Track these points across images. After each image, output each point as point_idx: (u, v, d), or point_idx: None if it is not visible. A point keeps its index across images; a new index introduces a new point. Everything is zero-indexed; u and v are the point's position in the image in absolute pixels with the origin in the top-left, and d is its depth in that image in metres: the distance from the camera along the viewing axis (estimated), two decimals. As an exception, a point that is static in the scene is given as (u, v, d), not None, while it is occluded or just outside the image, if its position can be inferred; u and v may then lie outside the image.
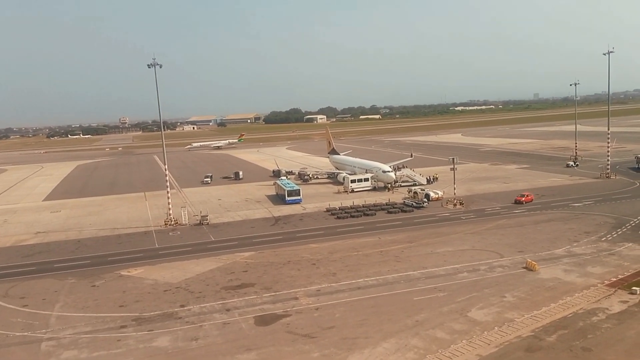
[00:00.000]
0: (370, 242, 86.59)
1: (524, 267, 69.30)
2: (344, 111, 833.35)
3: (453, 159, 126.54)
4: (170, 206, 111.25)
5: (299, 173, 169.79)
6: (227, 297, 64.51)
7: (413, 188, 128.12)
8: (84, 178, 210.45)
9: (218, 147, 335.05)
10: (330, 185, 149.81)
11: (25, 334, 56.76)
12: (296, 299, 62.88)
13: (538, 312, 54.77)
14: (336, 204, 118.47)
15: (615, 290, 59.64)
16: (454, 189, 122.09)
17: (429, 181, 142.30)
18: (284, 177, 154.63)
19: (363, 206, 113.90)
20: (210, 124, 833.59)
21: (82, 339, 54.74)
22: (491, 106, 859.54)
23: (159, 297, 66.12)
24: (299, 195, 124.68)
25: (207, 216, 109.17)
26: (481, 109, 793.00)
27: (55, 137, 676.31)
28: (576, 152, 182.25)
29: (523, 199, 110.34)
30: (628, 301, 56.45)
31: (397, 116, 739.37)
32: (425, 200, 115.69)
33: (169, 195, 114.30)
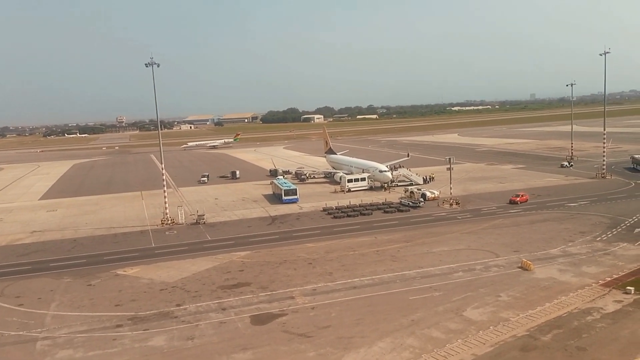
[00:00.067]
0: (366, 242, 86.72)
1: (519, 267, 69.52)
2: (341, 111, 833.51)
3: (450, 158, 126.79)
4: (166, 205, 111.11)
5: (295, 172, 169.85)
6: (223, 297, 64.52)
7: (409, 188, 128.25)
8: (80, 177, 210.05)
9: (214, 147, 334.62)
10: (327, 185, 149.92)
11: (21, 333, 56.65)
12: (292, 298, 62.95)
13: (533, 311, 54.98)
14: (333, 203, 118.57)
15: (610, 290, 59.91)
16: (450, 188, 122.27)
17: (425, 181, 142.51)
18: (280, 177, 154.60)
19: (360, 206, 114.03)
20: (208, 123, 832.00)
21: (78, 338, 54.67)
22: (488, 106, 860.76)
23: (154, 296, 66.09)
24: (296, 195, 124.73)
25: (203, 215, 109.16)
26: (478, 109, 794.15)
27: (52, 136, 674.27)
28: (572, 153, 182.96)
29: (518, 199, 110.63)
30: (622, 301, 56.71)
31: (394, 116, 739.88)
32: (422, 199, 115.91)
33: (166, 194, 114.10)
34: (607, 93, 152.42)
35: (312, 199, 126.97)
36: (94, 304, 64.52)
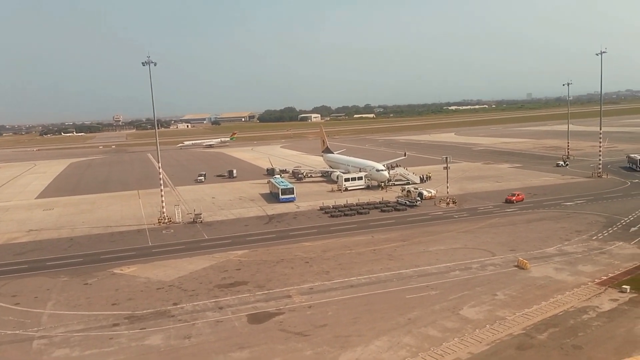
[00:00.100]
0: (363, 241, 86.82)
1: (515, 266, 69.73)
2: (338, 110, 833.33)
3: (446, 157, 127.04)
4: (163, 204, 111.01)
5: (293, 171, 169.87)
6: (220, 295, 64.53)
7: (406, 187, 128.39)
8: (77, 176, 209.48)
9: (210, 146, 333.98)
10: (324, 184, 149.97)
11: (17, 332, 56.54)
12: (289, 297, 63.00)
13: (529, 310, 55.17)
14: (330, 202, 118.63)
15: (606, 289, 60.15)
16: (447, 187, 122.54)
17: (422, 180, 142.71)
18: (278, 176, 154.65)
19: (357, 205, 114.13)
20: (205, 122, 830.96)
21: (74, 337, 54.61)
22: (484, 106, 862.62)
23: (151, 295, 66.05)
24: (293, 194, 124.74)
25: (200, 214, 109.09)
26: (474, 109, 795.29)
27: (49, 135, 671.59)
28: (568, 152, 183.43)
29: (514, 198, 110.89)
30: (618, 299, 56.95)
31: (391, 115, 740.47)
32: (419, 198, 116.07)
33: (163, 193, 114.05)
34: (603, 92, 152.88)
35: (309, 198, 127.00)
36: (91, 303, 64.44)
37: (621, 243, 77.97)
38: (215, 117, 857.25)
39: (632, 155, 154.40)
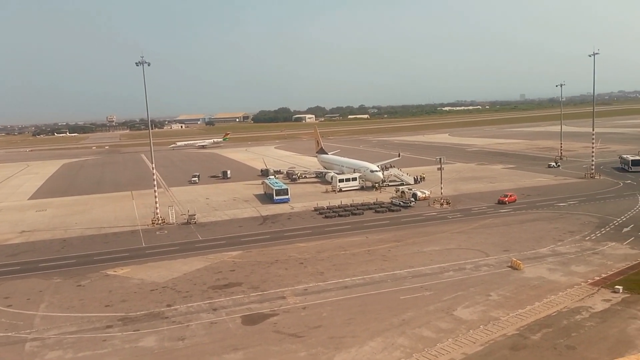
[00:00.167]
0: (357, 242, 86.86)
1: (509, 266, 69.98)
2: (332, 111, 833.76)
3: (440, 158, 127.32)
4: (157, 205, 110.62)
5: (287, 172, 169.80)
6: (214, 297, 64.38)
7: (400, 187, 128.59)
8: (70, 177, 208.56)
9: (203, 146, 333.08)
10: (319, 185, 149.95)
11: (9, 334, 56.16)
12: (283, 298, 62.93)
13: (523, 310, 55.36)
14: (324, 203, 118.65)
15: (599, 289, 60.46)
16: (441, 188, 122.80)
17: (416, 181, 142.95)
18: (272, 177, 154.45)
19: (351, 205, 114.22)
20: (199, 122, 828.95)
21: (67, 339, 54.31)
22: (478, 107, 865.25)
23: (145, 296, 65.79)
24: (287, 195, 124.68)
25: (194, 215, 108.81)
26: (468, 110, 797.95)
27: (42, 135, 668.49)
28: (561, 153, 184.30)
29: (506, 199, 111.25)
30: (611, 300, 57.26)
31: (385, 116, 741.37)
32: (413, 199, 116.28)
33: (156, 194, 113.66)
34: (596, 94, 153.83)
35: (304, 199, 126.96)
36: (84, 304, 64.12)
37: (614, 243, 78.41)
38: (210, 118, 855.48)
39: (625, 155, 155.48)
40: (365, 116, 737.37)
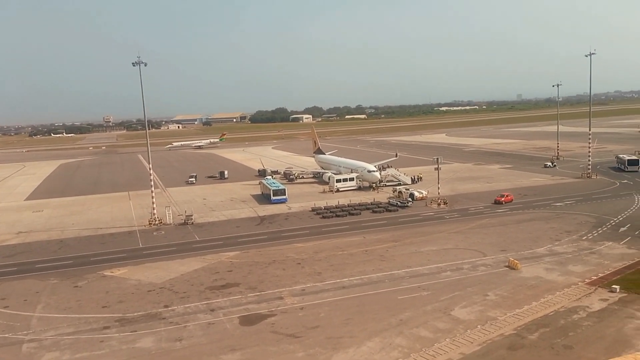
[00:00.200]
0: (355, 242, 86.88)
1: (506, 266, 70.09)
2: (329, 111, 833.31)
3: (437, 158, 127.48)
4: (154, 206, 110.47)
5: (284, 172, 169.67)
6: (212, 297, 64.30)
7: (398, 187, 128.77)
8: (66, 177, 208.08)
9: (199, 147, 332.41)
10: (316, 185, 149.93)
11: (6, 335, 55.98)
12: (281, 298, 62.90)
13: (520, 310, 55.46)
14: (321, 203, 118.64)
15: (596, 289, 60.61)
16: (438, 188, 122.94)
17: (413, 181, 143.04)
18: (269, 177, 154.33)
19: (348, 206, 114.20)
20: (196, 123, 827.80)
21: (64, 340, 54.18)
22: (475, 107, 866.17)
23: (142, 297, 65.68)
24: (285, 195, 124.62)
25: (191, 216, 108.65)
26: (465, 110, 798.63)
27: (38, 136, 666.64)
28: (558, 153, 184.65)
29: (503, 199, 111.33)
30: (608, 299, 57.40)
31: (383, 116, 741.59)
32: (410, 199, 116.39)
33: (153, 194, 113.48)
34: (592, 94, 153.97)
35: (301, 199, 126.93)
36: (81, 305, 63.97)
37: (611, 243, 78.60)
38: (207, 118, 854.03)
39: (621, 155, 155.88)
40: (363, 116, 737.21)
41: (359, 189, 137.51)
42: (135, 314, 60.28)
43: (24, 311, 62.65)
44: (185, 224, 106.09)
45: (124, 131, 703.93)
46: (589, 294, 59.33)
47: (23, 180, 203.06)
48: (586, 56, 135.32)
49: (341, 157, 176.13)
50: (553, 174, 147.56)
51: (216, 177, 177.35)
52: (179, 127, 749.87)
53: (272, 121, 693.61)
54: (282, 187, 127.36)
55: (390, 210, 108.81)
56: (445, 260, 73.93)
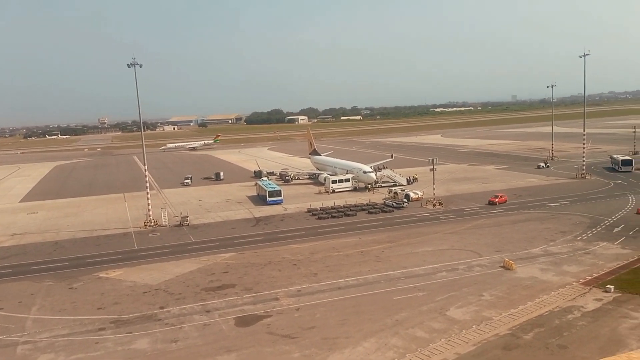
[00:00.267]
0: (351, 243, 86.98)
1: (501, 266, 70.33)
2: (325, 112, 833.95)
3: (432, 159, 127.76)
4: (149, 207, 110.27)
5: (280, 174, 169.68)
6: (208, 299, 64.25)
7: (393, 188, 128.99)
8: (61, 179, 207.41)
9: (193, 148, 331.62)
10: (312, 186, 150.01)
11: (1, 337, 55.77)
12: (277, 299, 62.92)
13: (515, 310, 55.67)
14: (317, 204, 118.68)
15: (590, 289, 60.90)
16: (434, 189, 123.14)
17: (409, 182, 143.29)
18: (265, 178, 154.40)
19: (344, 206, 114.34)
20: (191, 124, 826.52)
21: (59, 342, 54.02)
22: (470, 108, 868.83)
23: (138, 298, 65.57)
24: (280, 196, 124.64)
25: (187, 217, 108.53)
26: (460, 111, 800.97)
27: (33, 138, 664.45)
28: (552, 153, 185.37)
29: (497, 200, 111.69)
30: (602, 299, 57.68)
31: (378, 117, 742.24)
32: (405, 200, 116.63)
33: (149, 196, 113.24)
34: (586, 94, 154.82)
35: (297, 200, 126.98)
36: (76, 307, 63.81)
37: (605, 243, 78.99)
38: (202, 120, 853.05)
39: (615, 156, 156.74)
40: (358, 117, 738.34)
41: (355, 190, 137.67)
42: (131, 315, 60.16)
43: (19, 313, 62.43)
44: (180, 225, 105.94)
45: (119, 133, 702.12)
46: (584, 294, 59.62)
47: (18, 182, 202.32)
48: (580, 57, 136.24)
49: (337, 158, 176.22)
50: (547, 175, 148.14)
51: (212, 178, 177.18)
52: (174, 128, 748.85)
53: (267, 122, 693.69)
54: (277, 188, 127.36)
55: (385, 211, 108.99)
56: (440, 261, 74.12)
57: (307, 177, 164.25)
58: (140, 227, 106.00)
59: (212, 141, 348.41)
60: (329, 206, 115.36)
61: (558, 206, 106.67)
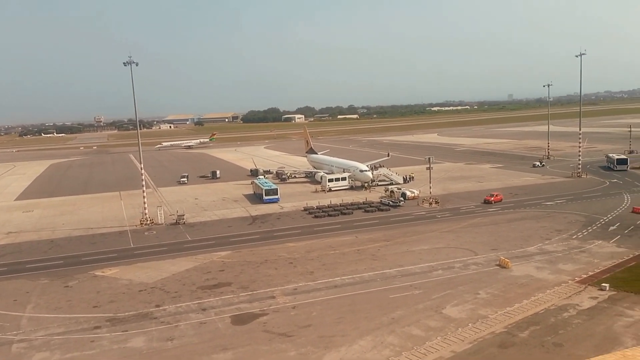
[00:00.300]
0: (347, 241, 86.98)
1: (497, 265, 70.44)
2: (322, 111, 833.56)
3: (429, 158, 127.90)
4: (146, 205, 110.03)
5: (276, 172, 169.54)
6: (204, 297, 64.14)
7: (390, 187, 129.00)
8: (57, 177, 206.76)
9: (189, 147, 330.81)
10: (308, 185, 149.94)
11: (-4, 336, 55.61)
12: (273, 297, 62.88)
13: (511, 308, 55.78)
14: (314, 203, 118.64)
15: (586, 287, 61.07)
16: (430, 188, 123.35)
17: (405, 180, 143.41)
18: (261, 176, 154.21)
19: (340, 205, 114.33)
20: (188, 122, 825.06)
21: (55, 340, 53.85)
22: (466, 107, 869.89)
23: (133, 297, 65.41)
24: (277, 195, 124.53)
25: (183, 215, 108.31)
26: (457, 110, 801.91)
27: (28, 136, 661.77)
28: (548, 152, 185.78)
29: (492, 198, 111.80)
30: (597, 297, 57.86)
31: (375, 116, 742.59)
32: (402, 199, 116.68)
33: (145, 194, 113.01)
34: (582, 94, 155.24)
35: (293, 199, 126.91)
36: (72, 305, 63.61)
37: (600, 242, 79.23)
38: (199, 118, 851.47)
39: (610, 155, 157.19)
40: (355, 116, 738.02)
41: (351, 188, 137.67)
42: (127, 313, 60.02)
43: (14, 311, 62.19)
44: (177, 223, 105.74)
45: (115, 131, 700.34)
46: (579, 292, 59.77)
47: (13, 180, 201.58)
48: (576, 56, 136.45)
49: (333, 156, 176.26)
50: (543, 174, 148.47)
51: (208, 176, 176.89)
52: (170, 127, 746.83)
53: (264, 121, 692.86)
54: (274, 186, 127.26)
55: (382, 210, 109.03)
56: (436, 259, 74.20)
57: (304, 175, 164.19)
58: (136, 226, 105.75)
59: (208, 140, 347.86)
60: (326, 205, 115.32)
61: (554, 205, 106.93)
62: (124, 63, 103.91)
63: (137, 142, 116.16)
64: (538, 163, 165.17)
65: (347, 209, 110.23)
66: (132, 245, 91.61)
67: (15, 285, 72.39)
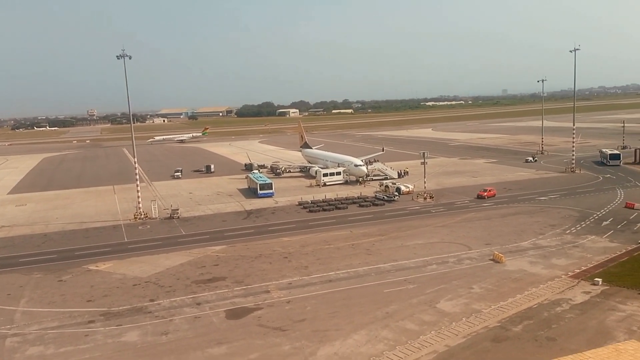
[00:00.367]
0: (341, 235, 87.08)
1: (491, 259, 70.77)
2: (316, 105, 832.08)
3: (423, 153, 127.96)
4: (139, 200, 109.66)
5: (271, 167, 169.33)
6: (198, 291, 64.13)
7: (384, 182, 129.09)
8: (50, 171, 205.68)
9: (182, 141, 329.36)
10: (303, 179, 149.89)
11: (-11, 330, 55.37)
12: (267, 292, 62.94)
13: (504, 303, 56.07)
14: (308, 197, 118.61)
15: (579, 282, 61.46)
16: (424, 182, 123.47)
17: (400, 175, 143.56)
18: (256, 171, 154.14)
19: (335, 200, 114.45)
20: (182, 116, 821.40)
21: (49, 334, 53.73)
22: (461, 102, 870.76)
23: (127, 291, 65.30)
24: (271, 189, 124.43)
25: (177, 210, 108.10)
26: (451, 105, 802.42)
27: (21, 129, 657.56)
28: (542, 147, 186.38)
29: (485, 193, 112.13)
30: (590, 292, 58.24)
31: (369, 111, 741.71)
32: (396, 193, 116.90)
33: (139, 188, 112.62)
34: (576, 89, 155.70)
35: (288, 193, 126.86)
36: (65, 299, 63.44)
37: (593, 237, 79.70)
38: (192, 112, 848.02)
39: (604, 150, 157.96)
40: (349, 111, 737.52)
41: (346, 183, 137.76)
42: (121, 307, 59.93)
43: (8, 305, 62.00)
44: (171, 218, 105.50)
45: (109, 125, 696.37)
46: (572, 286, 60.16)
47: (6, 174, 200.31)
48: (571, 52, 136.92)
49: (328, 151, 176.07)
50: (537, 169, 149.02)
51: (202, 171, 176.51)
52: (164, 120, 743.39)
53: (258, 115, 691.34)
54: (269, 181, 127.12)
55: (376, 204, 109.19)
56: (430, 254, 74.45)
57: (299, 170, 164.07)
58: (130, 220, 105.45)
59: (201, 134, 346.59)
60: (320, 199, 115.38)
61: (547, 200, 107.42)
62: (117, 56, 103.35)
63: (130, 135, 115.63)
64: (530, 158, 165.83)
65: (341, 203, 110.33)
66: (126, 240, 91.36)
67: (8, 279, 72.11)
